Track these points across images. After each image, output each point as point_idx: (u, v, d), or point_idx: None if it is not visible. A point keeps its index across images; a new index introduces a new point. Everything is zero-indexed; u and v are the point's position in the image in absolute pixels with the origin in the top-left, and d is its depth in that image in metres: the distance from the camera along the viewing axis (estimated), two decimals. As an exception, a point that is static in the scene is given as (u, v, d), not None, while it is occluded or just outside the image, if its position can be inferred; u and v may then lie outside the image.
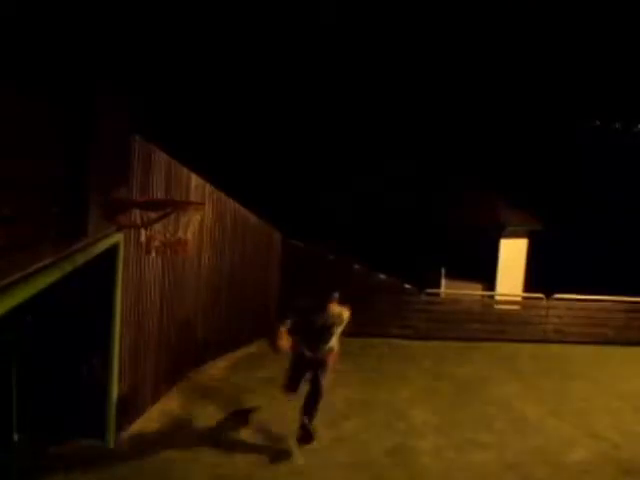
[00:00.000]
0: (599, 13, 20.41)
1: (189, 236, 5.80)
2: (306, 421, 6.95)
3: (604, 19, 20.52)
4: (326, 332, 6.88)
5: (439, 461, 6.79)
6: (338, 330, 6.97)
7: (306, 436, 6.95)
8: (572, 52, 21.19)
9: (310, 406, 6.98)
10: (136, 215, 5.86)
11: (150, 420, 7.29)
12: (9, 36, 3.39)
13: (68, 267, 4.49)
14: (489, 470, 6.65)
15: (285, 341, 6.73)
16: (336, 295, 6.96)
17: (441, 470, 6.60)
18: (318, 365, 6.94)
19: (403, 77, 19.97)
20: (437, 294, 13.93)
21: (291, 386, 7.18)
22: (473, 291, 14.80)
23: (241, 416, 7.63)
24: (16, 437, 5.78)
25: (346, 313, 6.95)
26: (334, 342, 6.99)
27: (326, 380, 6.99)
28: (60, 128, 4.24)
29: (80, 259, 4.74)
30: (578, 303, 13.02)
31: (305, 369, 7.01)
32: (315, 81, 18.93)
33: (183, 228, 5.68)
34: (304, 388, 7.07)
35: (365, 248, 15.17)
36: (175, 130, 13.30)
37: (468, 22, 19.87)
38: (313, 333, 6.89)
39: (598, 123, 24.82)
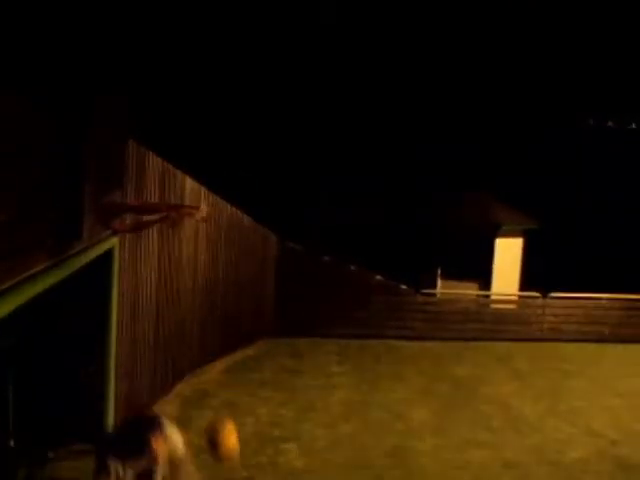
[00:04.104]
0: (593, 15, 20.51)
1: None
2: None
3: (597, 20, 20.61)
4: None
5: (437, 461, 6.77)
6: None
7: None
8: (567, 52, 21.27)
9: None
10: (131, 219, 5.84)
11: (147, 424, 7.26)
12: (9, 36, 3.37)
13: (63, 272, 4.47)
14: (487, 469, 6.63)
15: None
16: (162, 425, 4.43)
17: (440, 470, 6.58)
18: None
19: (402, 76, 20.02)
20: (433, 294, 13.97)
21: None
22: (469, 291, 14.85)
23: (238, 419, 7.61)
24: (13, 443, 5.75)
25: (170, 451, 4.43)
26: None
27: None
28: (57, 130, 4.21)
29: (75, 264, 4.72)
30: (574, 301, 13.05)
31: None
32: (314, 80, 18.95)
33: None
34: None
35: (361, 249, 15.19)
36: (170, 133, 13.30)
37: (467, 24, 19.95)
38: None
39: (591, 122, 24.91)
